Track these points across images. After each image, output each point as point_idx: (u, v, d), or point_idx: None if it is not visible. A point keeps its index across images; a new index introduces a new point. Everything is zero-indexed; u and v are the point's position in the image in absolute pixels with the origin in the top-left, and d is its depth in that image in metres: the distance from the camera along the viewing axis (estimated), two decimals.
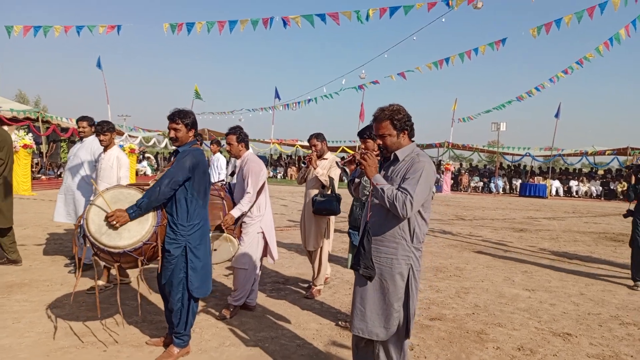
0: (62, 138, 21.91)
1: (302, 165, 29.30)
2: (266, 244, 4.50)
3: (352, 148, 28.92)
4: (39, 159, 21.25)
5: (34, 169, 18.75)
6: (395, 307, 2.56)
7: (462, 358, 3.62)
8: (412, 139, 2.73)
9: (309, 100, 25.16)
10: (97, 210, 3.20)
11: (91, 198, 5.56)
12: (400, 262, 2.56)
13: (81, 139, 5.81)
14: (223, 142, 10.41)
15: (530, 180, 26.86)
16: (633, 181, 6.21)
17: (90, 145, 5.68)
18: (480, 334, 4.11)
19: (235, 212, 4.19)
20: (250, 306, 4.47)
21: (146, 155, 28.77)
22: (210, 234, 3.85)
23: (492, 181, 27.62)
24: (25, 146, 14.60)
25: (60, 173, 20.56)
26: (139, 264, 3.24)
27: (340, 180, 5.23)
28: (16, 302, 4.42)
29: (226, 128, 4.56)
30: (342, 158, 4.45)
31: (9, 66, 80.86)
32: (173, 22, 11.11)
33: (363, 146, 3.95)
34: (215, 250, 4.07)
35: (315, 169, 4.92)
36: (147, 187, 3.41)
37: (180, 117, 3.35)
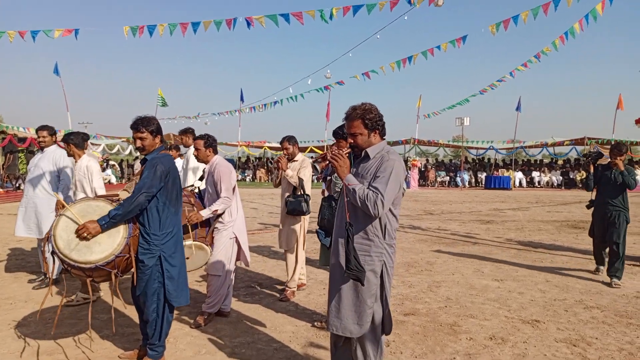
0: (19, 148, 21.10)
1: (272, 167, 29.19)
2: (239, 249, 4.47)
3: (320, 148, 28.99)
4: None
5: None
6: (368, 303, 2.59)
7: (437, 351, 3.68)
8: (384, 137, 2.76)
9: (275, 103, 25.07)
10: (65, 224, 3.08)
11: (52, 211, 5.38)
12: (374, 259, 2.59)
13: (41, 148, 5.61)
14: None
15: (495, 172, 27.59)
16: (592, 170, 6.20)
17: (51, 155, 5.50)
18: (453, 326, 4.20)
19: (205, 212, 4.14)
20: (225, 312, 4.42)
21: (110, 163, 28.03)
22: (185, 243, 3.80)
23: (458, 175, 28.23)
24: None
25: (19, 185, 19.78)
26: (113, 277, 3.14)
27: (313, 181, 5.25)
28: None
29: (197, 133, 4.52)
30: (312, 157, 4.49)
31: None
32: (134, 24, 10.87)
33: (336, 145, 3.98)
34: (187, 258, 4.00)
35: (285, 171, 4.92)
36: (116, 198, 3.34)
37: (144, 124, 3.27)
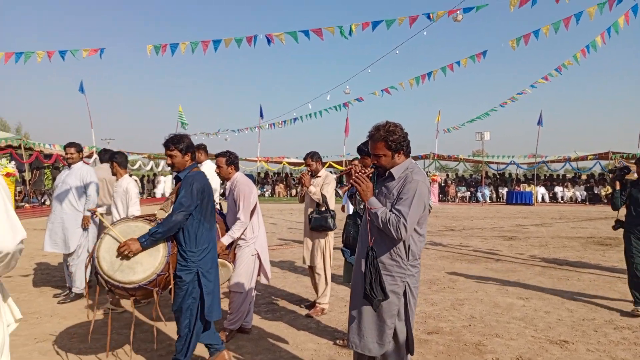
0: (45, 165, 21.65)
1: (293, 183, 29.24)
2: (260, 264, 4.48)
3: (339, 163, 29.00)
4: (22, 187, 20.92)
5: (17, 198, 18.47)
6: (388, 323, 2.56)
7: None
8: (408, 156, 2.72)
9: (295, 119, 25.21)
10: (107, 246, 3.21)
11: (79, 227, 5.50)
12: (396, 280, 2.57)
13: (69, 165, 5.74)
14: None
15: (516, 188, 27.15)
16: (618, 187, 5.52)
17: (79, 172, 5.63)
18: (479, 346, 4.10)
19: (226, 240, 4.14)
20: (246, 329, 4.41)
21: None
22: None
23: (478, 190, 27.86)
24: (7, 174, 14.37)
25: (45, 201, 20.23)
26: (155, 295, 3.24)
27: (337, 196, 5.25)
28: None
29: (212, 148, 4.57)
30: (334, 173, 4.54)
31: None
32: (157, 43, 11.12)
33: (361, 163, 3.97)
34: None
35: (307, 187, 4.94)
36: (153, 218, 3.45)
37: (174, 143, 3.36)
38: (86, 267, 3.42)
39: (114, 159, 5.38)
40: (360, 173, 2.68)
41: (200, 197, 3.27)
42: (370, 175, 2.70)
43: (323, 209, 4.93)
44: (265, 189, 31.47)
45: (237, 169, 4.46)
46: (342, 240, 3.87)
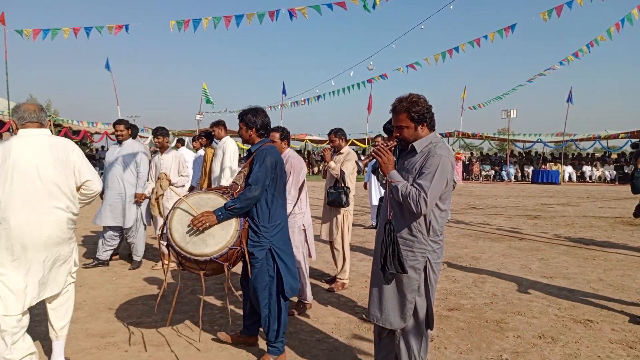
0: (74, 141, 22.13)
1: (315, 160, 29.18)
2: (306, 240, 4.46)
3: (361, 140, 28.82)
4: None
5: None
6: (408, 297, 2.56)
7: (483, 347, 3.59)
8: (433, 129, 2.65)
9: (318, 97, 25.02)
10: (180, 217, 3.18)
11: (134, 201, 5.72)
12: (417, 256, 2.55)
13: (119, 142, 5.91)
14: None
15: (543, 166, 26.56)
16: (638, 166, 4.49)
17: (131, 148, 5.85)
18: (500, 323, 4.08)
19: None
20: (305, 304, 4.42)
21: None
22: None
23: (503, 169, 27.38)
24: None
25: None
26: (225, 269, 3.19)
27: (358, 173, 5.30)
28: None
29: (236, 125, 4.56)
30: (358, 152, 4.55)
31: (19, 71, 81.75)
32: (179, 19, 11.10)
33: (381, 141, 3.93)
34: None
35: (328, 163, 4.94)
36: (226, 191, 3.38)
37: (240, 115, 3.37)
38: (159, 238, 3.38)
39: (162, 134, 5.96)
40: (382, 145, 2.64)
41: (273, 172, 3.21)
42: (393, 148, 2.66)
43: (340, 185, 4.93)
44: None
45: (289, 144, 4.44)
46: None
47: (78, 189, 3.03)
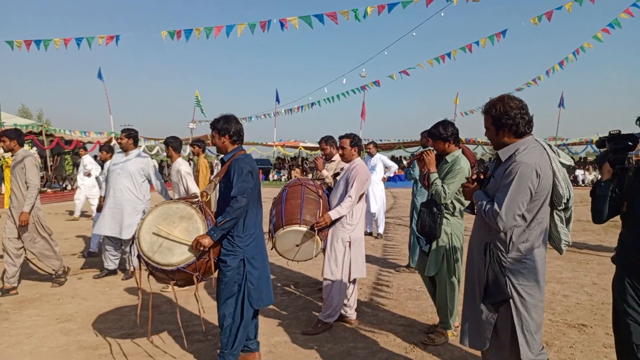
0: (66, 150, 22.01)
1: (307, 167, 29.18)
2: (350, 256, 4.15)
3: None
4: (44, 172, 21.35)
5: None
6: (486, 318, 2.45)
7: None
8: (521, 137, 2.40)
9: (312, 105, 25.06)
10: (148, 227, 3.17)
11: (138, 213, 5.65)
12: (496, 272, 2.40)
13: (124, 151, 5.84)
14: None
15: None
16: (607, 175, 2.58)
17: (137, 159, 5.79)
18: None
19: (334, 214, 3.99)
20: (350, 320, 4.26)
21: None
22: (304, 229, 3.82)
23: None
24: None
25: (66, 186, 20.64)
26: (195, 280, 3.17)
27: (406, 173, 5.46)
28: (28, 317, 4.43)
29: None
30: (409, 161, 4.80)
31: (11, 81, 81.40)
32: (171, 29, 11.13)
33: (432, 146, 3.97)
34: (297, 245, 3.95)
35: (320, 171, 4.92)
36: (195, 200, 3.36)
37: (211, 124, 3.34)
38: (131, 248, 3.35)
39: (169, 143, 5.74)
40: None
41: (253, 179, 3.19)
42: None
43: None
44: (281, 174, 31.58)
45: (360, 152, 4.34)
46: (417, 229, 3.86)
47: None
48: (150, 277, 3.34)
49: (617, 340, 2.57)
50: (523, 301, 2.37)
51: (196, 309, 4.21)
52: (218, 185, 3.33)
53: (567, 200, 2.38)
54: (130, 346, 3.75)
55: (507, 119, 2.36)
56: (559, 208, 2.41)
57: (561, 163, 2.40)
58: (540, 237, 2.40)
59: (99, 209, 6.60)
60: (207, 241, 3.05)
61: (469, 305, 2.59)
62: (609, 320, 4.27)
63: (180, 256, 3.09)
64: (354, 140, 4.25)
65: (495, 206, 2.29)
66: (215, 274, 3.30)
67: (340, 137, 4.38)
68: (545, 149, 2.38)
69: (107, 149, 7.05)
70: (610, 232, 9.56)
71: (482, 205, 2.39)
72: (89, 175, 10.11)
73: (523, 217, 2.33)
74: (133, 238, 3.24)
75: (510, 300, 2.37)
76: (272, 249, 4.07)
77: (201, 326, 4.11)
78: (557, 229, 2.48)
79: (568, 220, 2.50)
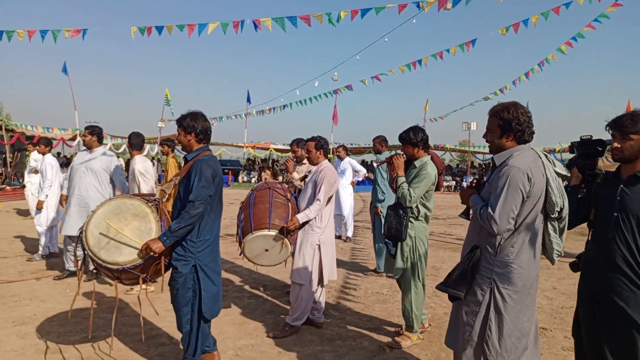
0: (26, 147, 21.26)
1: (277, 169, 29.11)
2: (320, 259, 4.12)
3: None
4: (2, 168, 20.54)
5: None
6: (466, 320, 2.49)
7: (442, 357, 3.64)
8: (522, 144, 2.44)
9: (284, 107, 25.04)
10: (98, 221, 3.02)
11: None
12: (482, 276, 2.42)
13: (88, 148, 5.63)
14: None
15: None
16: (575, 180, 2.66)
17: (102, 156, 5.59)
18: None
19: (302, 217, 3.96)
20: (317, 323, 4.24)
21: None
22: (273, 234, 3.77)
23: (464, 180, 28.13)
24: None
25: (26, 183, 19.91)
26: (141, 281, 3.03)
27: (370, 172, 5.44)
28: None
29: None
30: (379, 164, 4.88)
31: None
32: (141, 25, 10.91)
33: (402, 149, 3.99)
34: (266, 250, 3.89)
35: (291, 174, 4.90)
36: (152, 198, 3.23)
37: (178, 120, 3.21)
38: (76, 242, 3.18)
39: (129, 140, 5.62)
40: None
41: (212, 185, 3.05)
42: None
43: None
44: (251, 175, 31.36)
45: (325, 154, 4.30)
46: (384, 232, 3.87)
47: None
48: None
49: (576, 343, 2.72)
50: (505, 304, 2.37)
51: (162, 311, 4.11)
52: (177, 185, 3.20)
53: (561, 209, 2.39)
54: (90, 350, 3.63)
55: (516, 124, 2.38)
56: (553, 216, 2.42)
57: (556, 172, 2.43)
58: (530, 243, 2.39)
59: (39, 207, 6.55)
60: (157, 247, 2.91)
61: (453, 307, 2.64)
62: (568, 323, 4.42)
63: (127, 256, 2.95)
64: (319, 143, 4.24)
65: (489, 209, 2.33)
66: (167, 276, 3.20)
67: (307, 140, 4.36)
68: (540, 156, 2.42)
69: (44, 143, 6.88)
70: (570, 239, 9.88)
71: (478, 209, 2.42)
72: (35, 172, 9.74)
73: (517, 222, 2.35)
74: (80, 231, 3.06)
75: (492, 303, 2.39)
76: (240, 255, 4.03)
77: (164, 330, 4.03)
78: (550, 238, 2.48)
79: (562, 231, 2.50)
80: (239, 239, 3.96)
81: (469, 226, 2.62)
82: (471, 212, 2.58)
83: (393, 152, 4.10)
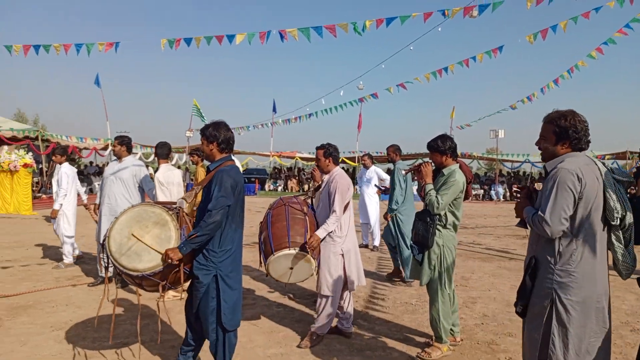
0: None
1: (305, 177, 29.19)
2: (344, 267, 4.11)
3: (351, 159, 28.94)
4: (39, 177, 21.25)
5: (34, 188, 18.74)
6: (532, 334, 2.45)
7: None
8: (577, 151, 2.41)
9: (310, 115, 25.19)
10: (120, 227, 3.09)
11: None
12: (542, 286, 2.37)
13: (118, 158, 5.81)
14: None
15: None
16: None
17: (132, 167, 5.77)
18: (491, 345, 4.07)
19: (321, 233, 3.92)
20: (346, 332, 4.23)
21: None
22: (294, 252, 3.76)
23: (492, 188, 27.63)
24: (25, 165, 14.59)
25: None
26: (161, 288, 3.07)
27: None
28: (22, 325, 4.38)
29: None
30: (406, 171, 4.97)
31: (7, 86, 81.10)
32: (171, 37, 11.18)
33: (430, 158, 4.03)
34: (291, 268, 3.89)
35: (318, 182, 4.91)
36: (174, 206, 3.26)
37: (201, 130, 3.27)
38: (102, 249, 3.24)
39: (155, 149, 5.80)
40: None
41: (233, 196, 3.06)
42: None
43: None
44: (277, 184, 31.57)
45: (336, 162, 4.26)
46: (411, 237, 3.90)
47: None
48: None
49: None
50: (569, 316, 2.28)
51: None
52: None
53: (623, 217, 2.31)
54: (127, 355, 3.71)
55: (573, 131, 2.36)
56: (614, 224, 2.32)
57: (615, 179, 2.37)
58: (592, 251, 2.32)
59: (54, 216, 6.71)
60: (176, 255, 2.94)
61: (522, 323, 2.58)
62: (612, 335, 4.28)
63: (147, 263, 2.98)
64: (328, 150, 4.19)
65: (540, 212, 2.31)
66: (185, 285, 3.23)
67: (316, 148, 4.31)
68: (595, 162, 2.38)
69: (60, 152, 6.96)
70: None
71: (530, 217, 2.40)
72: None
73: (570, 223, 2.29)
74: (104, 238, 3.13)
75: (554, 314, 2.31)
76: (267, 277, 4.04)
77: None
78: (615, 248, 2.39)
79: (628, 241, 2.40)
80: (263, 261, 3.96)
81: (529, 240, 2.59)
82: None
83: (420, 161, 4.10)
